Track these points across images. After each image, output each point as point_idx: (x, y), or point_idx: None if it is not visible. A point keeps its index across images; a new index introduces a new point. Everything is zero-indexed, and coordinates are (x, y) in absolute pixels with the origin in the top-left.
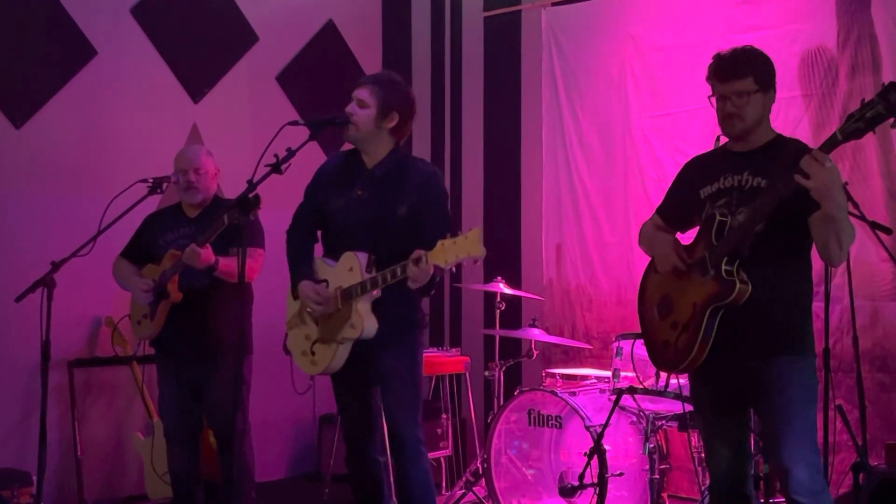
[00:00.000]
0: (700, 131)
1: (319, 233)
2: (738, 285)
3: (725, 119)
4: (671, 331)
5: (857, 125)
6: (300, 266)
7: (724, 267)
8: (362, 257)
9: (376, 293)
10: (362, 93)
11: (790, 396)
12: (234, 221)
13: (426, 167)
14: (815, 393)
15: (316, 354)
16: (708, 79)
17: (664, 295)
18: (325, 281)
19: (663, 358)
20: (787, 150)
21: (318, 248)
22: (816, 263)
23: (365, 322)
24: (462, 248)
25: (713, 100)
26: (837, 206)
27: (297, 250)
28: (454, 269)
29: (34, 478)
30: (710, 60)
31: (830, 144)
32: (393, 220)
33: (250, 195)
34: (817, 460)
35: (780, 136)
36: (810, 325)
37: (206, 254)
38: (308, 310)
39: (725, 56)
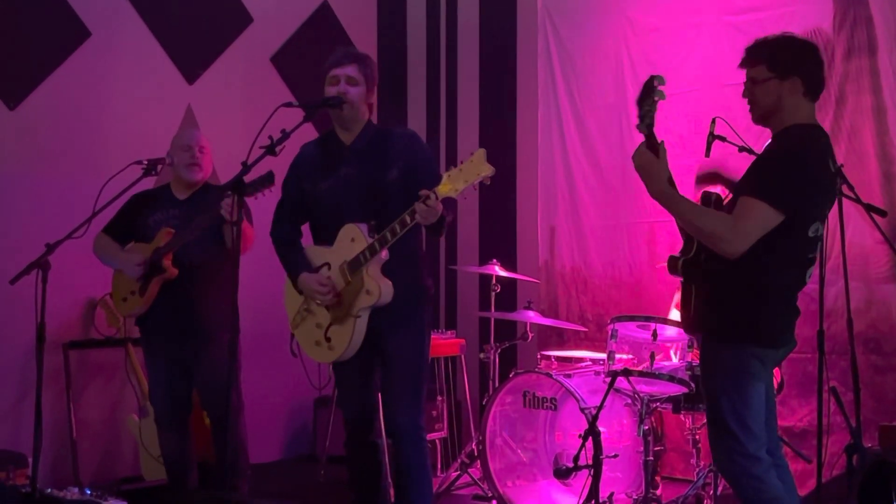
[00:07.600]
0: (695, 113)
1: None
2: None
3: (748, 104)
4: None
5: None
6: (294, 260)
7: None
8: (363, 226)
9: (385, 255)
10: (350, 70)
11: (708, 381)
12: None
13: (404, 130)
14: (732, 380)
15: (332, 339)
16: None
17: None
18: (326, 264)
19: None
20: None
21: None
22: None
23: (381, 286)
24: (470, 172)
25: None
26: (653, 192)
27: (286, 246)
28: (465, 196)
29: (30, 459)
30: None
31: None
32: (386, 187)
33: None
34: (736, 444)
35: (786, 129)
36: (751, 313)
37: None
38: (317, 302)
39: (749, 45)
